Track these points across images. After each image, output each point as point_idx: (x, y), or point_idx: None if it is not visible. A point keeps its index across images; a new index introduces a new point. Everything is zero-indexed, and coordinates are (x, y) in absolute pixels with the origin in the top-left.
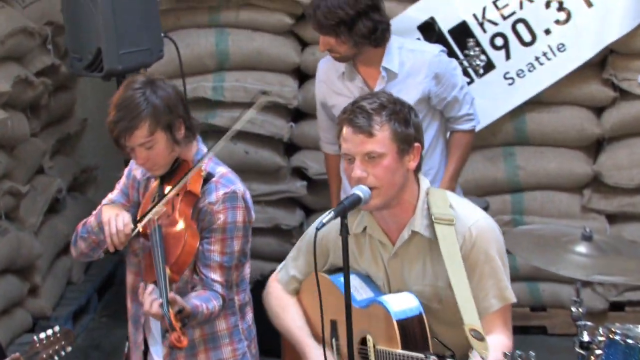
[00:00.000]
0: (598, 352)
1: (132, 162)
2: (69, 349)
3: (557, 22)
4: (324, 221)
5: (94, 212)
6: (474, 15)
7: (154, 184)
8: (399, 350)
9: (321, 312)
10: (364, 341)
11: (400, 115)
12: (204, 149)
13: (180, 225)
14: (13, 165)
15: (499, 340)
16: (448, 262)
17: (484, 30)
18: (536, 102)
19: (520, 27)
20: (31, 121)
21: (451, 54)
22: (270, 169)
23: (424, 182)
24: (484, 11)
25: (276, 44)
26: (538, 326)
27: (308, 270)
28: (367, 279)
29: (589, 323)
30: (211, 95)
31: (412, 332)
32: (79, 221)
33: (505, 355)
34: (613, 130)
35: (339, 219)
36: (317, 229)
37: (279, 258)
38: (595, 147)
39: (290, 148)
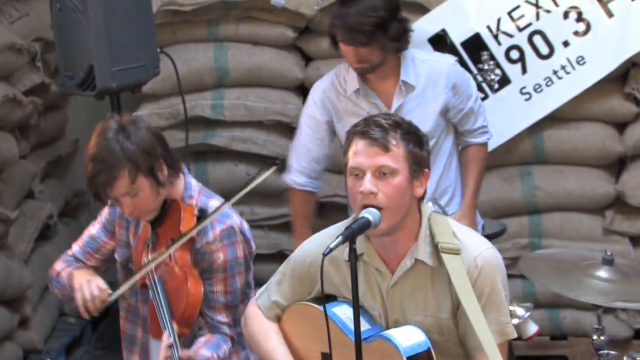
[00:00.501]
0: None
1: None
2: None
3: (576, 33)
4: (331, 246)
5: (63, 267)
6: (488, 27)
7: (146, 225)
8: None
9: (329, 344)
10: None
11: (415, 136)
12: (192, 182)
13: (181, 275)
14: (1, 190)
15: None
16: (463, 297)
17: (499, 43)
18: (554, 119)
19: (537, 39)
20: (20, 142)
21: (465, 68)
22: (273, 192)
23: (426, 208)
24: (499, 23)
25: (278, 58)
26: (558, 356)
27: (291, 297)
28: (361, 310)
29: (612, 352)
30: (210, 114)
31: None
32: None
33: None
34: (636, 147)
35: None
36: (324, 255)
37: None
38: (617, 166)
39: None
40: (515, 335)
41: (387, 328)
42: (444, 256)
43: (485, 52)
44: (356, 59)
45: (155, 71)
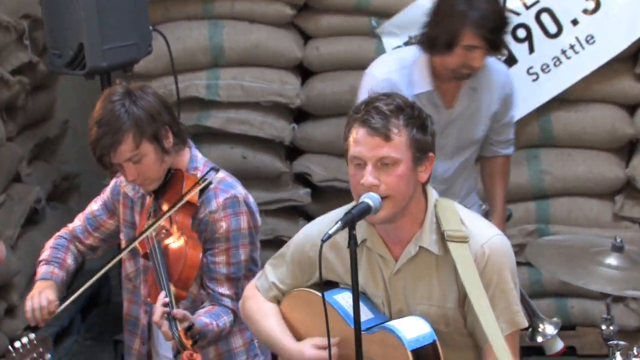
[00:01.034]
0: None
1: (117, 177)
2: (48, 356)
3: (585, 11)
4: (330, 232)
5: (45, 257)
6: None
7: (150, 200)
8: None
9: (327, 332)
10: None
11: (418, 120)
12: (198, 155)
13: (180, 239)
14: None
15: None
16: (469, 286)
17: None
18: (563, 100)
19: (545, 18)
20: (7, 124)
21: None
22: (270, 175)
23: (432, 194)
24: (505, 0)
25: (276, 37)
26: (566, 346)
27: (290, 282)
28: (364, 298)
29: (621, 342)
30: (205, 94)
31: None
32: None
33: None
34: None
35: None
36: (323, 241)
37: None
38: (628, 149)
39: (292, 152)
40: (526, 325)
41: (391, 317)
42: (451, 244)
43: None
44: (479, 63)
45: (147, 50)
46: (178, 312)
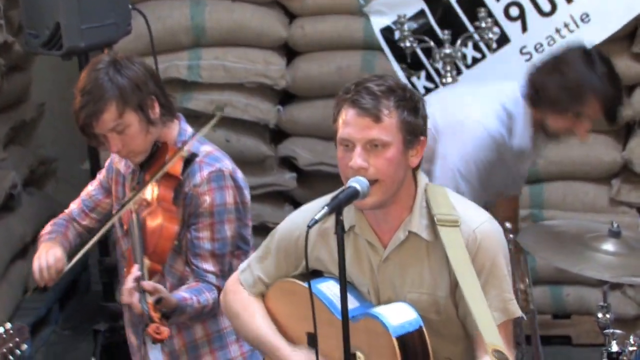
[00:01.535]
0: None
1: (112, 154)
2: (25, 346)
3: None
4: (316, 218)
5: (45, 233)
6: None
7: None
8: None
9: (314, 322)
10: (353, 358)
11: (410, 103)
12: (188, 129)
13: (157, 211)
14: None
15: None
16: (459, 272)
17: None
18: None
19: None
20: None
21: (460, 26)
22: (254, 159)
23: (422, 179)
24: None
25: (259, 15)
26: (561, 335)
27: (278, 273)
28: (349, 286)
29: (618, 331)
30: (186, 75)
31: (412, 348)
32: (37, 219)
33: None
34: None
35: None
36: (309, 227)
37: None
38: (625, 131)
39: (277, 135)
40: (520, 314)
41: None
42: (441, 229)
43: (483, 9)
44: (585, 134)
45: (126, 29)
46: (148, 284)
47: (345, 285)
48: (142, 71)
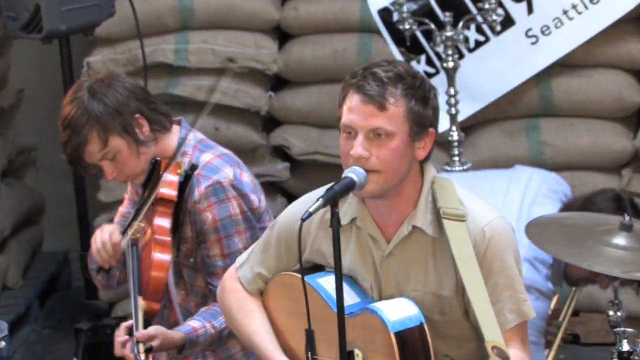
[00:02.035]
0: None
1: None
2: (3, 344)
3: None
4: (310, 210)
5: None
6: None
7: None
8: None
9: (308, 317)
10: (350, 355)
11: (420, 92)
12: (189, 137)
13: (150, 242)
14: None
15: None
16: (462, 266)
17: None
18: (564, 65)
19: None
20: None
21: (462, 7)
22: (245, 148)
23: (430, 171)
24: None
25: None
26: (569, 334)
27: (278, 267)
28: (351, 281)
29: (629, 330)
30: (173, 60)
31: (412, 346)
32: (16, 211)
33: None
34: None
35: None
36: (303, 220)
37: None
38: (635, 119)
39: (269, 123)
40: (534, 315)
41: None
42: (446, 222)
43: None
44: None
45: (110, 11)
46: (140, 334)
47: (341, 278)
48: (121, 92)
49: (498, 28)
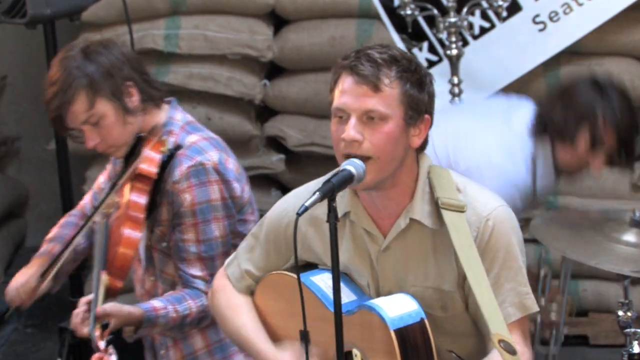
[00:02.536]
0: None
1: None
2: None
3: None
4: (306, 204)
5: (49, 239)
6: None
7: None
8: None
9: (303, 317)
10: (348, 355)
11: (415, 75)
12: (177, 117)
13: (123, 218)
14: None
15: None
16: (464, 259)
17: None
18: (573, 53)
19: None
20: None
21: None
22: (238, 139)
23: (426, 161)
24: None
25: None
26: (578, 335)
27: (267, 265)
28: (347, 278)
29: None
30: (163, 46)
31: (413, 343)
32: None
33: None
34: None
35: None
36: (299, 214)
37: None
38: None
39: (263, 113)
40: (536, 309)
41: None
42: (445, 213)
43: None
44: (599, 172)
45: None
46: (100, 309)
47: (338, 275)
48: (117, 56)
49: (504, 14)
